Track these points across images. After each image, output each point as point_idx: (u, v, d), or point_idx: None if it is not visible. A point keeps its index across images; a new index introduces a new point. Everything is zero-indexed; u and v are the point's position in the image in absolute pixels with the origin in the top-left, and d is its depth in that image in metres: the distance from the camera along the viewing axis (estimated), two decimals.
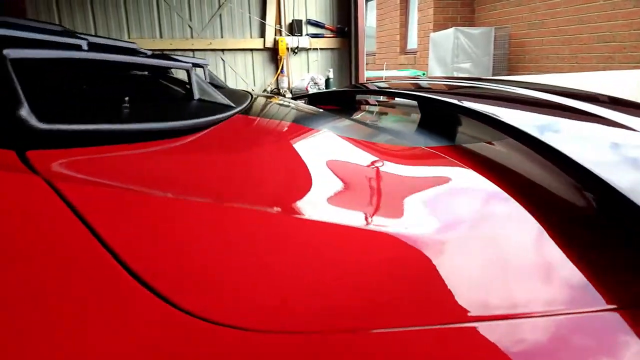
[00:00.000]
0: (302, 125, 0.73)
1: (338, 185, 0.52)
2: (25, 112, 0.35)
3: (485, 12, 7.28)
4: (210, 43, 3.76)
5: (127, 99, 0.48)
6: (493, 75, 6.70)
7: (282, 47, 3.82)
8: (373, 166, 0.62)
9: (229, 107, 0.62)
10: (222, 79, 3.90)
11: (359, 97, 1.37)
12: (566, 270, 0.37)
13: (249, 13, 3.83)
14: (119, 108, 0.46)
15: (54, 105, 0.44)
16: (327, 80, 3.88)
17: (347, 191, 0.51)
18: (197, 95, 0.63)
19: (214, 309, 0.28)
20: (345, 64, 4.11)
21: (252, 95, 0.96)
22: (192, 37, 3.74)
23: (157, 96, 0.64)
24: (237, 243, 0.34)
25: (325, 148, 0.67)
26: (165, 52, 3.65)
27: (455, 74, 6.60)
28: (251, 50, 3.91)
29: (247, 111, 0.66)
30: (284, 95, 3.67)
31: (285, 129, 0.68)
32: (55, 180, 0.31)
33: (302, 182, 0.48)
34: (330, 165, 0.57)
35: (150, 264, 0.29)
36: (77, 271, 0.27)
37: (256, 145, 0.54)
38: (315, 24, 3.99)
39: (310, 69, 4.06)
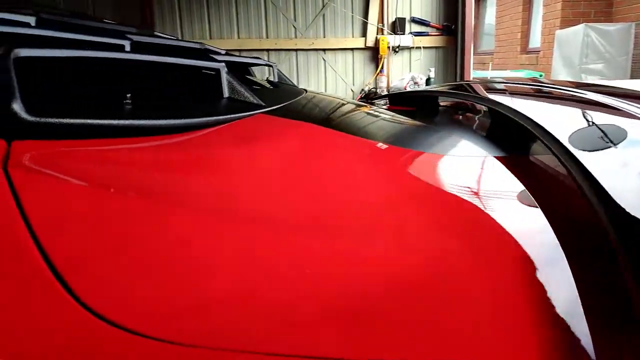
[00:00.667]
0: (325, 127, 0.72)
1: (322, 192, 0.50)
2: (17, 105, 0.39)
3: (626, 5, 6.45)
4: (313, 43, 3.85)
5: (128, 95, 0.50)
6: (632, 78, 5.93)
7: (383, 46, 3.78)
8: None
9: (250, 106, 0.62)
10: (323, 78, 3.97)
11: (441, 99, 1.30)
12: None
13: (352, 12, 3.84)
14: (120, 104, 0.49)
15: (60, 101, 0.48)
16: (428, 80, 3.75)
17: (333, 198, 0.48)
18: (226, 94, 0.65)
19: (124, 313, 0.29)
20: (450, 63, 3.94)
21: (301, 96, 0.96)
22: (295, 37, 3.86)
23: (184, 94, 0.67)
24: (165, 247, 0.34)
25: (328, 148, 0.65)
26: (238, 52, 3.81)
27: (583, 77, 5.96)
28: (352, 49, 3.92)
29: (276, 111, 0.66)
30: (380, 96, 3.62)
31: (301, 130, 0.67)
32: (14, 168, 0.34)
33: (257, 183, 0.46)
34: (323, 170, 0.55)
35: (70, 260, 0.30)
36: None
37: (248, 145, 0.54)
38: (420, 22, 3.88)
39: (411, 68, 3.96)
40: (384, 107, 1.38)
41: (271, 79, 1.22)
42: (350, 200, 0.48)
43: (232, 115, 0.56)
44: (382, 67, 3.86)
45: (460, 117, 1.20)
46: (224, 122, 0.53)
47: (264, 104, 0.66)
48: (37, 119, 0.40)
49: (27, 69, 0.42)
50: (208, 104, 0.62)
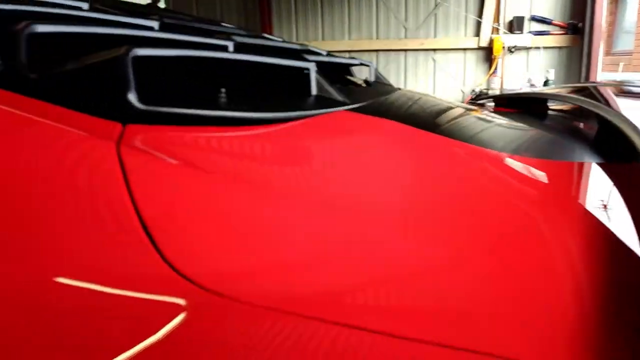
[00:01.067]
0: (408, 124, 0.73)
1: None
2: (132, 95, 0.47)
3: None
4: (423, 43, 3.80)
5: (223, 90, 0.57)
6: None
7: (497, 46, 3.60)
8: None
9: (334, 103, 0.67)
10: (432, 79, 3.90)
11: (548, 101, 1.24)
12: None
13: (465, 11, 3.71)
14: (217, 97, 0.57)
15: (167, 93, 0.56)
16: (546, 82, 3.49)
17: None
18: (314, 92, 0.70)
19: (206, 275, 0.34)
20: (574, 65, 3.62)
21: (391, 94, 0.98)
22: (405, 37, 3.84)
23: (277, 90, 0.73)
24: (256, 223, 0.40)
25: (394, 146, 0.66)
26: (348, 53, 3.83)
27: None
28: (464, 49, 3.79)
29: (358, 108, 0.70)
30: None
31: (379, 127, 0.69)
32: (125, 146, 0.41)
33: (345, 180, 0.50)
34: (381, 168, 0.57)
35: (162, 225, 0.37)
36: (103, 221, 0.37)
37: (321, 138, 0.58)
38: (541, 20, 3.62)
39: (528, 69, 3.71)
40: (489, 108, 1.34)
41: (369, 79, 1.25)
42: (441, 201, 0.50)
43: (314, 111, 0.61)
44: (495, 68, 3.68)
45: (575, 122, 1.13)
46: (305, 117, 0.58)
47: (347, 101, 0.70)
48: (147, 107, 0.48)
49: (142, 65, 0.51)
50: (295, 100, 0.68)
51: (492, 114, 1.06)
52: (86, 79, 0.49)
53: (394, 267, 0.39)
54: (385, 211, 0.46)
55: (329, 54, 1.16)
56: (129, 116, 0.46)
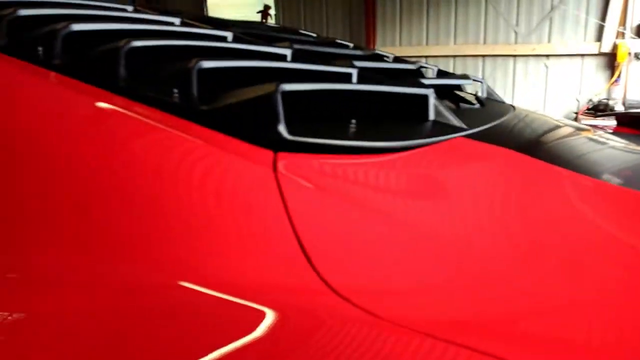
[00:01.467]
0: (530, 155, 0.73)
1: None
2: (281, 127, 0.55)
3: None
4: (534, 48, 3.60)
5: (353, 121, 0.64)
6: None
7: (621, 52, 3.30)
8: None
9: (452, 129, 0.70)
10: (543, 87, 3.69)
11: None
12: None
13: (586, 14, 3.45)
14: (349, 126, 0.63)
15: (307, 123, 0.64)
16: None
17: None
18: (432, 117, 0.73)
19: (360, 296, 0.40)
20: None
21: (508, 115, 0.98)
22: (515, 42, 3.67)
23: (396, 115, 0.78)
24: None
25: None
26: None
27: None
28: (581, 55, 3.53)
29: (477, 134, 0.72)
30: (612, 108, 3.18)
31: (499, 157, 0.70)
32: (279, 171, 0.49)
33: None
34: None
35: (317, 243, 0.43)
36: (262, 236, 0.44)
37: (439, 168, 0.61)
38: None
39: None
40: (610, 127, 1.28)
41: (480, 95, 1.25)
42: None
43: (434, 139, 0.65)
44: (618, 76, 3.39)
45: None
46: (425, 145, 0.63)
47: (465, 127, 0.73)
48: (294, 137, 0.55)
49: (287, 98, 0.59)
50: (414, 126, 0.72)
51: (622, 142, 1.00)
52: (244, 112, 0.58)
53: (537, 301, 0.43)
54: (518, 246, 0.49)
55: (440, 72, 1.18)
56: (279, 145, 0.54)
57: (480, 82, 1.24)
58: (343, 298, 0.40)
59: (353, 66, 0.82)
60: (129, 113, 0.56)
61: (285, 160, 0.52)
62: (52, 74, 0.61)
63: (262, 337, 0.40)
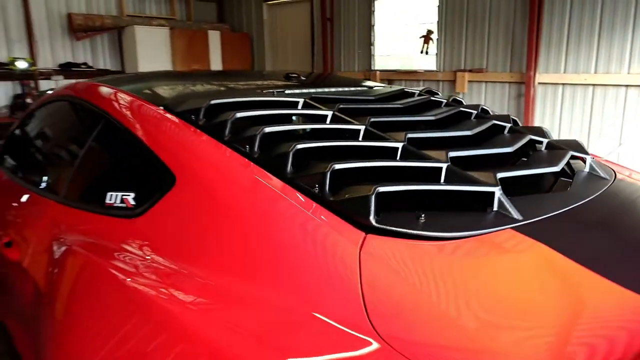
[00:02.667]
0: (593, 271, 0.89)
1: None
2: (372, 218, 0.90)
3: None
4: None
5: (422, 215, 0.96)
6: None
7: None
8: None
9: (505, 221, 0.95)
10: None
11: None
12: None
13: None
14: (422, 216, 0.95)
15: (395, 212, 0.97)
16: None
17: None
18: (495, 208, 1.00)
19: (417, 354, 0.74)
20: None
21: (596, 198, 1.15)
22: None
23: (462, 203, 1.05)
24: None
25: None
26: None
27: None
28: None
29: (529, 228, 0.95)
30: None
31: (541, 265, 0.92)
32: (364, 252, 0.85)
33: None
34: None
35: (381, 311, 0.77)
36: (337, 301, 0.81)
37: (478, 259, 0.88)
38: None
39: None
40: None
41: (586, 171, 1.38)
42: None
43: (483, 231, 0.92)
44: None
45: None
46: (477, 235, 0.91)
47: (519, 219, 0.97)
48: (381, 225, 0.91)
49: (380, 196, 0.94)
50: (473, 217, 1.00)
51: None
52: (354, 205, 0.94)
53: None
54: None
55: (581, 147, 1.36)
56: (369, 230, 0.90)
57: (584, 158, 1.38)
58: (390, 346, 0.74)
59: (446, 159, 1.11)
60: (288, 198, 0.98)
61: (370, 241, 0.88)
62: (251, 165, 1.07)
63: None
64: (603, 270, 0.85)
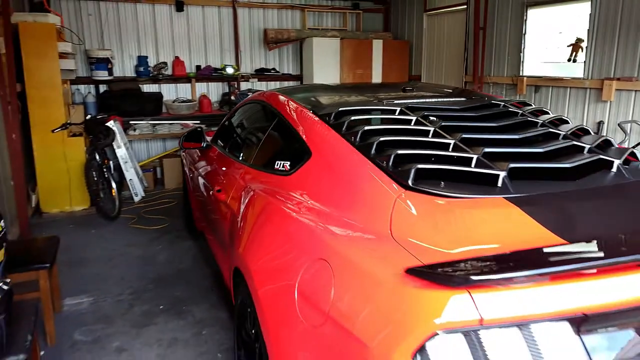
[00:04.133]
0: None
1: None
2: (410, 181, 1.56)
3: None
4: None
5: (444, 182, 1.58)
6: None
7: None
8: None
9: (495, 192, 1.50)
10: None
11: None
12: None
13: None
14: (444, 183, 1.57)
15: (428, 179, 1.60)
16: None
17: None
18: (499, 184, 1.55)
19: None
20: None
21: None
22: None
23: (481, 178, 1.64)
24: None
25: None
26: None
27: None
28: None
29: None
30: None
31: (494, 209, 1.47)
32: (400, 197, 1.52)
33: None
34: None
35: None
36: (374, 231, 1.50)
37: None
38: None
39: None
40: None
41: (613, 170, 1.76)
42: None
43: (478, 196, 1.50)
44: None
45: None
46: (478, 197, 1.51)
47: (511, 192, 1.50)
48: (414, 186, 1.57)
49: (419, 171, 1.59)
50: (485, 187, 1.58)
51: None
52: (403, 173, 1.63)
53: None
54: None
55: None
56: (407, 188, 1.58)
57: (612, 161, 1.78)
58: (398, 244, 1.42)
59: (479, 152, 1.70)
60: (368, 169, 1.70)
61: (407, 193, 1.56)
62: (353, 149, 1.82)
63: None
64: (544, 222, 1.38)
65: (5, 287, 1.66)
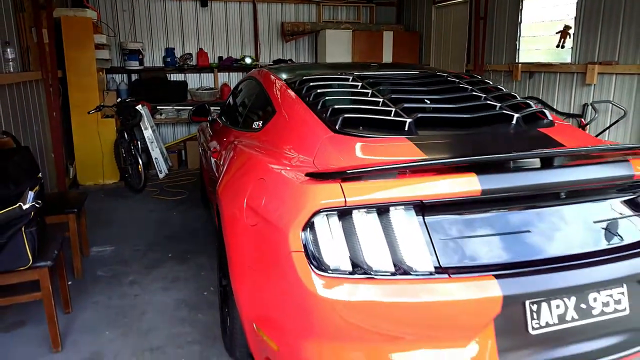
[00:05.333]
0: None
1: None
2: (338, 124, 2.01)
3: None
4: None
5: (363, 127, 2.02)
6: None
7: None
8: None
9: (401, 134, 1.95)
10: None
11: None
12: None
13: None
14: (363, 128, 2.02)
15: (352, 125, 2.05)
16: None
17: None
18: (406, 129, 1.98)
19: None
20: None
21: None
22: None
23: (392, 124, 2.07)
24: None
25: None
26: None
27: None
28: None
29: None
30: None
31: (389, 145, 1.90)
32: (328, 136, 1.98)
33: None
34: None
35: None
36: None
37: None
38: None
39: None
40: None
41: (513, 122, 2.18)
42: None
43: (387, 136, 1.94)
44: None
45: None
46: (385, 137, 1.95)
47: (414, 134, 1.94)
48: (339, 129, 2.02)
49: (346, 120, 2.04)
50: (396, 131, 2.03)
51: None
52: (334, 121, 2.08)
53: None
54: None
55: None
56: (335, 131, 2.04)
57: (512, 115, 2.18)
58: (314, 165, 1.89)
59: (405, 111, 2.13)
60: (310, 118, 2.17)
61: (333, 135, 2.02)
62: (306, 107, 2.29)
63: None
64: (424, 149, 1.81)
65: (37, 206, 2.22)
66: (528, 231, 1.59)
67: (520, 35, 5.77)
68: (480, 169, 1.54)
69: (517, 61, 5.82)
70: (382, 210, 1.52)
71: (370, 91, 2.36)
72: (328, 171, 1.59)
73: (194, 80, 7.48)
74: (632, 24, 4.40)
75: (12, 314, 2.83)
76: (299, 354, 1.55)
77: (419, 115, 2.06)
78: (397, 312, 1.45)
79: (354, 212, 1.51)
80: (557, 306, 1.54)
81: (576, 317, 1.55)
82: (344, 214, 1.52)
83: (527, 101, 2.41)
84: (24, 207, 2.17)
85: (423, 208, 1.52)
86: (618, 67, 4.52)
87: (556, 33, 5.12)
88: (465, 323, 1.47)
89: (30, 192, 2.28)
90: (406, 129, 2.03)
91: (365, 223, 1.51)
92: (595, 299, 1.58)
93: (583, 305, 1.57)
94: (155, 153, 6.32)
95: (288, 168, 1.89)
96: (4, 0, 4.08)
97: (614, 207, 1.74)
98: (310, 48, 7.95)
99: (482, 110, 2.21)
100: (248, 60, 7.33)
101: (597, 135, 4.64)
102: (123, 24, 7.06)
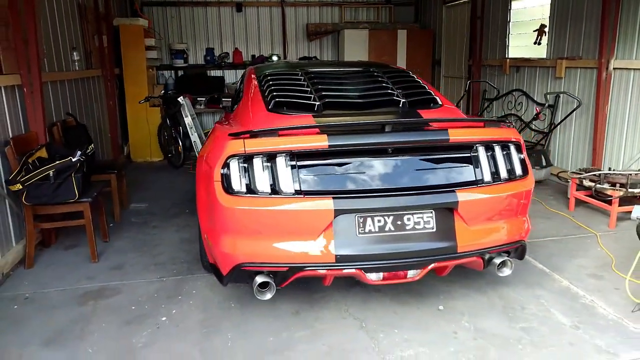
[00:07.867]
0: None
1: None
2: (270, 105, 2.93)
3: None
4: None
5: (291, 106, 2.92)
6: None
7: None
8: None
9: (306, 112, 2.81)
10: None
11: None
12: None
13: None
14: (291, 108, 2.92)
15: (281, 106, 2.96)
16: None
17: None
18: (315, 109, 2.84)
19: None
20: None
21: None
22: None
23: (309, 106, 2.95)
24: None
25: None
26: None
27: None
28: None
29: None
30: None
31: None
32: (265, 112, 2.91)
33: None
34: None
35: None
36: None
37: None
38: None
39: None
40: None
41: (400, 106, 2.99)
42: None
43: (299, 114, 2.83)
44: None
45: None
46: (297, 115, 2.84)
47: (318, 113, 2.81)
48: (270, 110, 2.94)
49: (278, 102, 2.94)
50: (306, 111, 2.91)
51: None
52: (268, 103, 3.02)
53: None
54: None
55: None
56: (269, 110, 2.96)
57: (399, 101, 3.00)
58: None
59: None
60: (257, 101, 3.13)
61: (267, 113, 2.95)
62: (261, 94, 3.25)
63: None
64: (318, 122, 2.70)
65: (81, 160, 3.34)
66: (363, 172, 2.45)
67: (509, 33, 6.32)
68: (329, 132, 2.42)
69: (506, 57, 6.38)
70: (269, 156, 2.44)
71: (306, 83, 3.25)
72: (237, 132, 2.53)
73: (230, 76, 8.64)
74: (592, 22, 4.91)
75: (69, 240, 4.03)
76: (219, 243, 2.51)
77: (326, 100, 2.94)
78: (272, 215, 2.38)
79: (254, 157, 2.44)
80: (379, 220, 2.39)
81: (393, 229, 2.40)
82: (248, 158, 2.45)
83: (430, 92, 3.20)
84: (73, 159, 3.30)
85: (293, 155, 2.43)
86: (580, 62, 5.04)
87: (534, 31, 5.66)
88: (314, 224, 2.37)
89: (78, 151, 3.42)
90: (315, 109, 2.92)
91: (258, 164, 2.44)
92: (409, 219, 2.41)
93: (399, 222, 2.40)
94: (194, 137, 7.50)
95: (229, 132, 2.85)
96: (72, 13, 5.35)
97: (432, 160, 2.55)
98: (334, 46, 8.84)
99: (379, 97, 3.05)
100: (275, 58, 8.36)
101: (558, 124, 5.19)
102: (172, 28, 8.34)
